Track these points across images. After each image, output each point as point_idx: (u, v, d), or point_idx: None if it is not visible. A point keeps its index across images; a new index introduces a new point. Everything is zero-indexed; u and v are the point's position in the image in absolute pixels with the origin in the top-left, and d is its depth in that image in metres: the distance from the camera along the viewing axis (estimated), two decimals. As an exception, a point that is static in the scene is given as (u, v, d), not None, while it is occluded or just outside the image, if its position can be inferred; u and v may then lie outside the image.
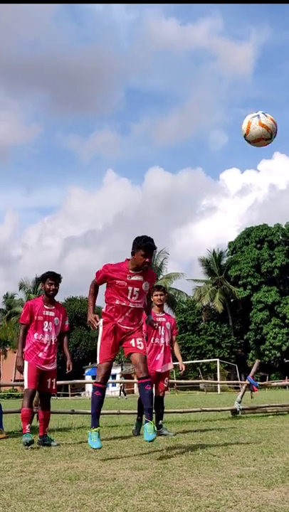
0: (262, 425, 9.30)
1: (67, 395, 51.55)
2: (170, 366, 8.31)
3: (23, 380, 7.22)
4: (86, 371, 69.77)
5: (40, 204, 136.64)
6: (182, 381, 25.47)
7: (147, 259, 5.83)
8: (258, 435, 7.44)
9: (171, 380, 14.55)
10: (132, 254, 5.86)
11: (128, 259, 5.93)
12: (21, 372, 6.95)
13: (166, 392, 8.43)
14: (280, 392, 34.65)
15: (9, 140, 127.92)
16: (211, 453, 5.61)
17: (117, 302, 5.87)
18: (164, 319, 8.28)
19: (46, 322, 7.02)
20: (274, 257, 65.24)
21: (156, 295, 8.25)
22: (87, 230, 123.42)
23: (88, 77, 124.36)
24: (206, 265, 67.98)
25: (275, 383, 19.81)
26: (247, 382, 13.01)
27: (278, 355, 61.42)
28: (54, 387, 7.17)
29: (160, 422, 8.19)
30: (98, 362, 5.87)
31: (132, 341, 5.85)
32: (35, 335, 6.97)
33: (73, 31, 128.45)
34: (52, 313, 7.09)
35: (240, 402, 12.16)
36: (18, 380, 55.86)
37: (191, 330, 64.58)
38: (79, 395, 54.57)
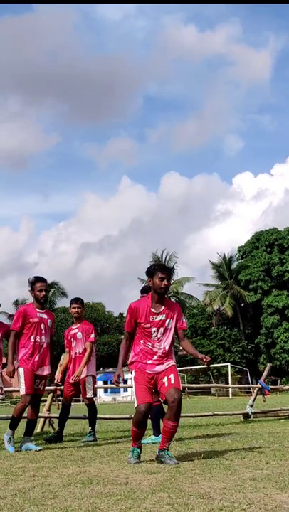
0: (274, 429, 9.26)
1: (78, 401, 51.48)
2: (83, 374, 8.21)
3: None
4: (97, 376, 69.71)
5: (55, 211, 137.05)
6: (193, 385, 25.35)
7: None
8: (270, 438, 7.41)
9: (183, 385, 14.53)
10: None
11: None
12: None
13: (90, 398, 8.36)
14: (291, 396, 34.48)
15: (28, 148, 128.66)
16: (224, 456, 5.60)
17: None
18: (76, 331, 8.37)
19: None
20: (284, 260, 64.97)
21: (74, 307, 8.43)
22: (102, 236, 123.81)
23: (107, 85, 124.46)
24: (216, 270, 67.87)
25: (286, 387, 19.73)
26: (258, 386, 12.96)
27: (289, 358, 61.17)
28: None
29: (90, 428, 8.31)
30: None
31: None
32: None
33: (92, 40, 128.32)
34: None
35: (252, 406, 12.12)
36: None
37: (201, 334, 64.44)
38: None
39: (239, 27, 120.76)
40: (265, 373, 13.02)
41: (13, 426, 7.26)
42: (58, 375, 9.48)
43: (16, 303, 77.65)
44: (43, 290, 7.30)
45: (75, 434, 9.56)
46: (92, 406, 8.35)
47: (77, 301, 8.48)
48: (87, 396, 8.27)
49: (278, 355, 61.26)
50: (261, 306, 64.25)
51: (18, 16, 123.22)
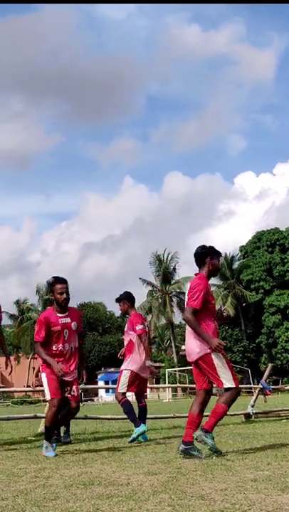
0: (275, 429, 9.25)
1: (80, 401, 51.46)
2: None
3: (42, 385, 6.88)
4: (99, 376, 69.82)
5: (57, 210, 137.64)
6: (195, 385, 25.26)
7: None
8: (272, 439, 7.41)
9: (184, 385, 14.52)
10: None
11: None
12: None
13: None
14: (293, 396, 34.42)
15: (30, 148, 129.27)
16: (225, 457, 5.60)
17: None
18: None
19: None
20: (286, 260, 64.98)
21: None
22: (105, 236, 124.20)
23: (108, 85, 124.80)
24: (217, 269, 67.82)
25: (288, 387, 19.74)
26: (260, 386, 12.96)
27: (291, 358, 61.13)
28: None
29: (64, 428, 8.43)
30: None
31: None
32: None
33: (93, 40, 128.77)
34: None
35: (253, 407, 12.12)
36: (30, 386, 55.81)
37: (203, 334, 64.41)
38: (92, 400, 54.52)
39: (242, 26, 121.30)
40: (266, 373, 13.01)
41: (47, 436, 6.60)
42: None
43: (17, 302, 77.72)
44: (64, 292, 6.60)
45: (76, 434, 9.56)
46: None
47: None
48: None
49: (280, 355, 61.27)
50: (263, 305, 64.25)
51: (19, 16, 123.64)
